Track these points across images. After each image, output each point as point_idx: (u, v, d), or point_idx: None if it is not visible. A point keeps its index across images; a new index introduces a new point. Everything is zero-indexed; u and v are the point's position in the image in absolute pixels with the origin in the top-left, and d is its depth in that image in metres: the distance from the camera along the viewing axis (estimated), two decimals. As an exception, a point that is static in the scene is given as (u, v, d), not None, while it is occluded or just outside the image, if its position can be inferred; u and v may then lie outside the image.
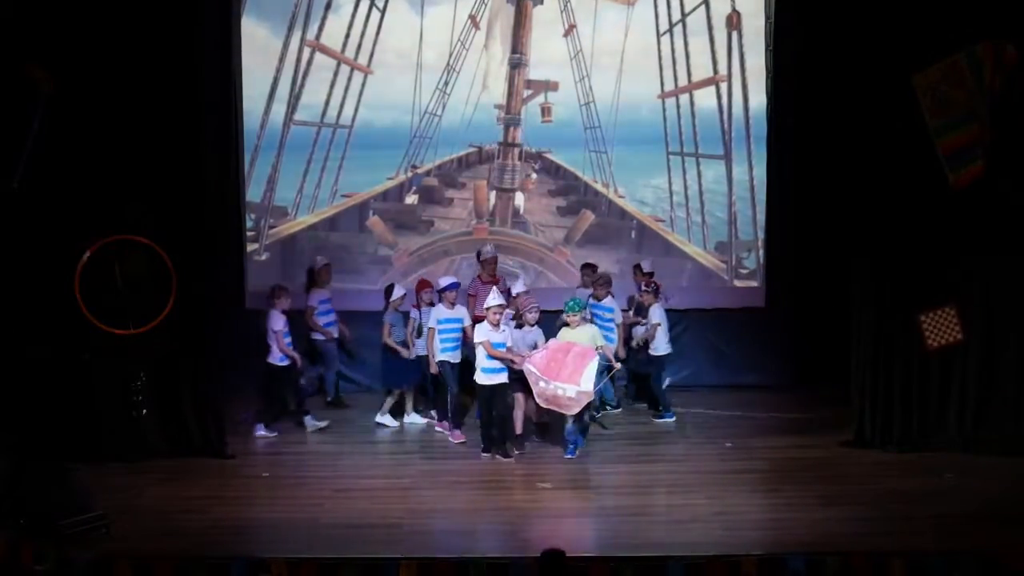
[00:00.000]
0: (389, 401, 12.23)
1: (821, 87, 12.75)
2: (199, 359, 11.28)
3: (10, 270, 10.77)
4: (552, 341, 10.98)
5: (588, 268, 12.82)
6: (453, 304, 11.62)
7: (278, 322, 11.87)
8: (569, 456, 11.02)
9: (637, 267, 12.91)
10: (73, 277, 10.77)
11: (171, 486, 10.46)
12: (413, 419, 12.22)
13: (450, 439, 11.63)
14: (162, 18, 10.89)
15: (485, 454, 11.10)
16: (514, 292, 11.75)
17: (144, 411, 11.09)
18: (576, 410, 10.84)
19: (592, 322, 11.52)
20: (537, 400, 10.89)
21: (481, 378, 11.05)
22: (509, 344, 11.09)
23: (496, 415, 11.05)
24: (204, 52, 11.77)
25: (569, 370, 10.71)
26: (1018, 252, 11.00)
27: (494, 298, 11.07)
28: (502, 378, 11.00)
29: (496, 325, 10.99)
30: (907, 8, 10.99)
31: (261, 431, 11.92)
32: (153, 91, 10.88)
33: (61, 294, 10.76)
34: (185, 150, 11.10)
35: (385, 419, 12.18)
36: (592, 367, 10.73)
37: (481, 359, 11.01)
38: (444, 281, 11.87)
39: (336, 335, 12.71)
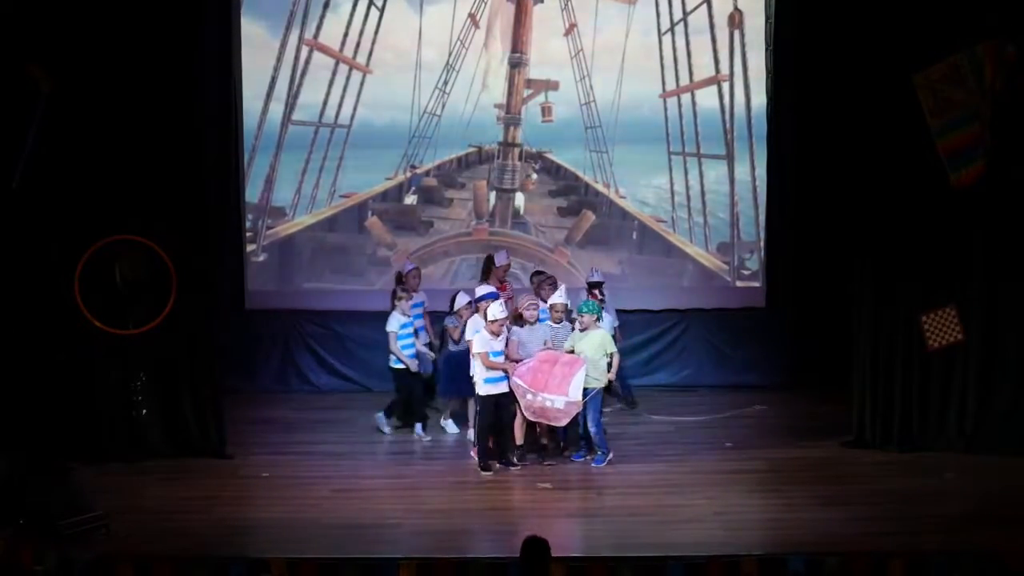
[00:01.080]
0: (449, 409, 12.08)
1: (821, 87, 12.74)
2: (199, 359, 11.27)
3: (10, 270, 10.77)
4: (539, 352, 10.83)
5: (539, 275, 12.26)
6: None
7: (392, 323, 11.73)
8: (598, 464, 10.88)
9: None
10: (73, 277, 10.77)
11: (171, 486, 10.46)
12: (448, 426, 12.02)
13: (472, 454, 11.26)
14: (162, 17, 10.88)
15: (486, 472, 10.80)
16: (550, 302, 11.25)
17: (144, 411, 11.09)
18: (564, 422, 10.76)
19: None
20: (524, 413, 10.75)
21: (483, 388, 10.84)
22: (506, 351, 10.91)
23: (500, 425, 10.89)
24: (204, 51, 11.75)
25: (557, 380, 10.62)
26: (1019, 252, 11.00)
27: (500, 311, 10.83)
28: (504, 387, 10.83)
29: (496, 335, 10.82)
30: (907, 8, 10.98)
31: (419, 431, 11.78)
32: (153, 90, 10.87)
33: (61, 294, 10.76)
34: (185, 150, 11.09)
35: (447, 424, 12.01)
36: (580, 376, 10.62)
37: (481, 369, 10.84)
38: (481, 291, 11.39)
39: (423, 343, 12.18)
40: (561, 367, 10.67)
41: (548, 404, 10.64)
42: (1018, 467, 10.62)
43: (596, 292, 11.88)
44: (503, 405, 10.86)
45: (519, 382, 10.66)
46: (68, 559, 8.35)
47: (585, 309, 10.96)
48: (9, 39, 10.57)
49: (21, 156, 10.49)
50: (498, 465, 10.91)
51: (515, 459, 10.94)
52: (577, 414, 10.85)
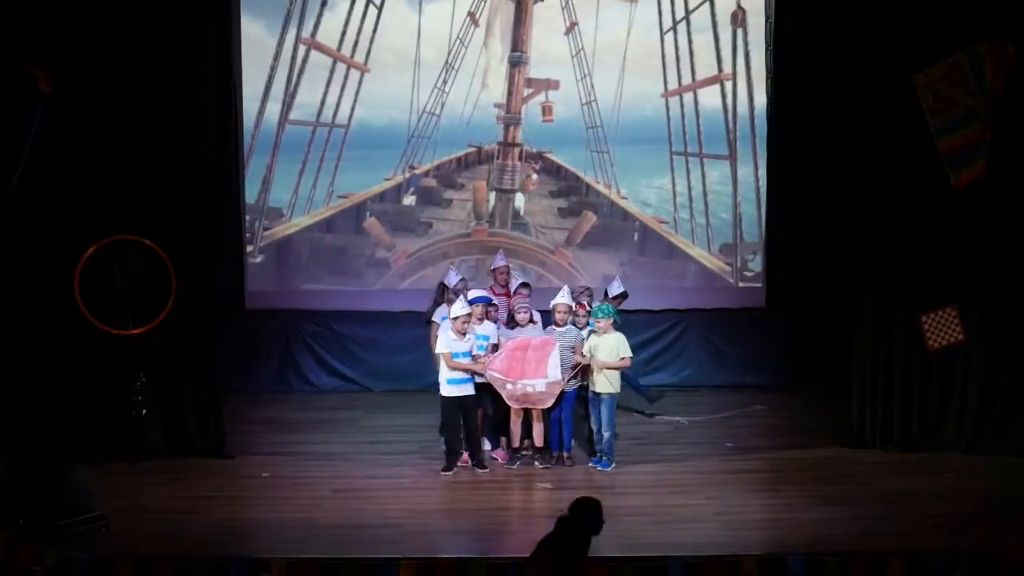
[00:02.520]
0: None
1: (821, 87, 12.75)
2: (199, 359, 11.28)
3: (10, 270, 10.78)
4: (509, 341, 10.74)
5: (526, 288, 11.60)
6: (481, 319, 10.93)
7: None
8: (603, 468, 10.81)
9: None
10: (73, 277, 10.78)
11: (171, 486, 10.46)
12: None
13: (495, 458, 11.12)
14: (162, 18, 10.91)
15: (446, 472, 10.76)
16: (552, 303, 10.96)
17: (144, 411, 11.09)
18: (549, 403, 10.72)
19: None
20: (508, 402, 10.73)
21: (447, 390, 10.73)
22: (475, 351, 10.78)
23: (467, 427, 10.83)
24: (204, 51, 11.76)
25: (532, 365, 10.58)
26: (1018, 252, 11.01)
27: (462, 308, 10.67)
28: (468, 389, 10.73)
29: (462, 334, 10.70)
30: (907, 8, 10.99)
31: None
32: (153, 90, 10.91)
33: (61, 294, 10.77)
34: (185, 149, 11.13)
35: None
36: (555, 356, 10.59)
37: (444, 370, 10.72)
38: (472, 294, 11.15)
39: None
40: (534, 351, 10.62)
41: (530, 389, 10.62)
42: (1018, 467, 10.63)
43: (583, 303, 11.39)
44: (468, 407, 10.79)
45: (496, 374, 10.62)
46: (68, 559, 8.35)
47: (601, 313, 10.87)
48: (9, 39, 10.57)
49: (21, 156, 10.49)
50: (475, 468, 10.88)
51: (484, 461, 10.91)
52: (586, 418, 10.88)
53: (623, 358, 10.81)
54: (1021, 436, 11.04)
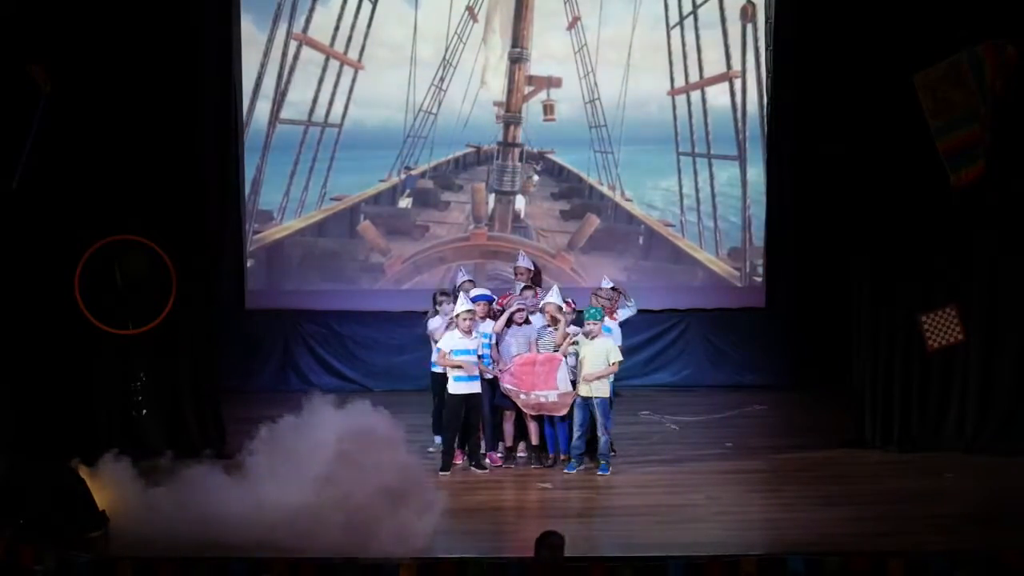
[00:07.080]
0: None
1: (821, 87, 12.75)
2: (199, 359, 11.28)
3: (10, 270, 10.78)
4: (517, 357, 10.78)
5: (530, 290, 11.44)
6: (484, 318, 10.89)
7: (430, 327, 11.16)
8: (602, 472, 10.76)
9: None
10: (73, 277, 10.78)
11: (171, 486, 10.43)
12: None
13: (487, 462, 11.05)
14: (162, 17, 10.90)
15: (444, 473, 10.74)
16: (542, 303, 10.96)
17: (144, 411, 11.10)
18: (563, 411, 10.76)
19: None
20: (524, 410, 10.81)
21: (454, 387, 10.69)
22: (481, 350, 10.76)
23: (468, 426, 10.81)
24: (205, 51, 11.75)
25: (542, 378, 10.67)
26: (1019, 252, 11.01)
27: (463, 304, 10.68)
28: (475, 387, 10.71)
29: (468, 332, 10.66)
30: (907, 8, 11.00)
31: (438, 441, 11.29)
32: (153, 90, 10.89)
33: (61, 294, 10.77)
34: (185, 149, 11.11)
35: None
36: (563, 370, 10.66)
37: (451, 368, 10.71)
38: (474, 293, 11.09)
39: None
40: (540, 366, 10.71)
41: (543, 399, 10.70)
42: (1018, 467, 10.64)
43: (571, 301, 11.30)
44: (472, 406, 10.79)
45: (509, 387, 10.74)
46: (68, 559, 8.35)
47: (596, 317, 10.81)
48: (9, 39, 10.58)
49: (21, 156, 10.49)
50: (472, 468, 10.88)
51: (487, 462, 10.91)
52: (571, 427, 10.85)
53: (613, 363, 10.75)
54: (1021, 436, 11.05)
